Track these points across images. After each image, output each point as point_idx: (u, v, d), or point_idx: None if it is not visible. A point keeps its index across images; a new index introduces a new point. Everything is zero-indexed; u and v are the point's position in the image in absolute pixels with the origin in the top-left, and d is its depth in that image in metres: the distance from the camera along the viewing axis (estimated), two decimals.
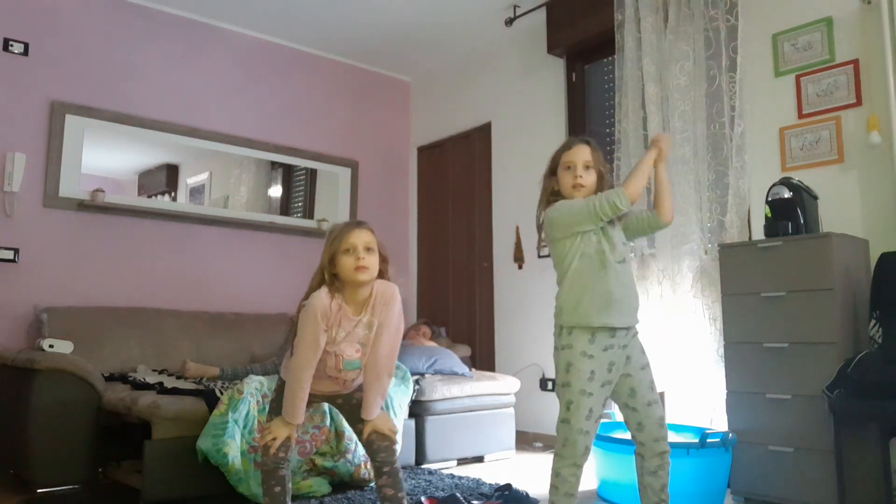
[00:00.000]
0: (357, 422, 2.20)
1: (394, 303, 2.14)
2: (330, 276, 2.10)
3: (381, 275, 2.16)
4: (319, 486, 2.94)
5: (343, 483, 3.04)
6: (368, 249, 2.08)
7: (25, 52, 3.86)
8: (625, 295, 2.07)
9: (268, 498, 2.10)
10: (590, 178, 2.12)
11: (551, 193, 2.18)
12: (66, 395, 2.96)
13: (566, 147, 2.17)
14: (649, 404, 2.08)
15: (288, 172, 4.86)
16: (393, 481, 2.09)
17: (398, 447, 3.20)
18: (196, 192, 4.45)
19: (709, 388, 3.25)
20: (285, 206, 4.82)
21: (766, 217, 2.93)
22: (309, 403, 2.15)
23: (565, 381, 2.06)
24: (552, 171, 2.18)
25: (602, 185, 2.15)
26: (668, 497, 2.08)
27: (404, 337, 4.45)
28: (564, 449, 2.05)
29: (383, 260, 2.16)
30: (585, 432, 2.03)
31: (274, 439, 2.07)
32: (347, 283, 2.10)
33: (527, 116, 4.62)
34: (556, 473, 2.07)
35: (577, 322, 2.05)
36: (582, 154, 2.12)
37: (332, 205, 4.97)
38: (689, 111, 3.42)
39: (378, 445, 2.09)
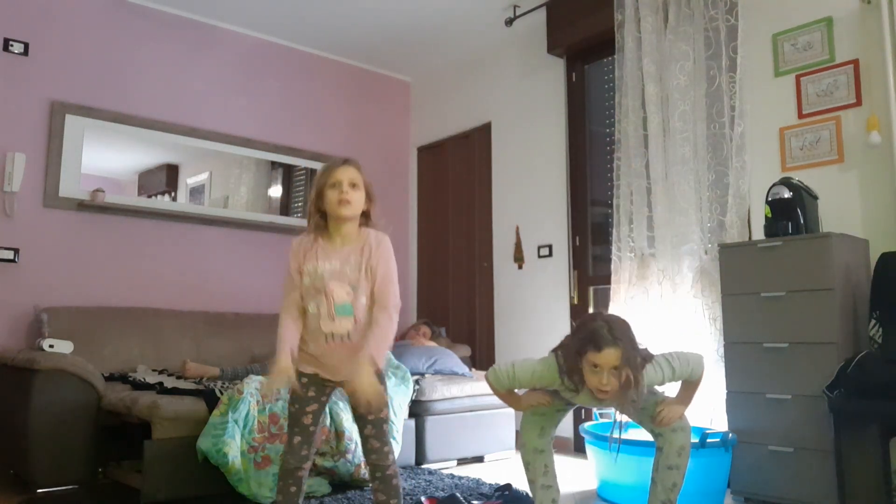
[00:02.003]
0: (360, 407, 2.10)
1: (385, 247, 2.11)
2: (317, 210, 2.10)
3: (368, 214, 2.15)
4: (319, 486, 2.94)
5: (343, 483, 3.05)
6: (353, 185, 2.08)
7: (25, 52, 3.86)
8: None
9: (281, 496, 2.07)
10: (615, 382, 1.96)
11: (571, 369, 2.03)
12: (66, 395, 2.97)
13: (595, 346, 1.96)
14: (657, 403, 2.13)
15: (288, 172, 4.86)
16: (385, 487, 2.05)
17: (396, 450, 3.22)
18: (196, 192, 4.45)
19: (709, 388, 3.25)
20: (285, 206, 4.82)
21: (766, 217, 2.93)
22: (323, 386, 2.08)
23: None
24: (578, 353, 2.01)
25: (629, 383, 1.97)
26: (676, 499, 2.09)
27: (404, 337, 4.50)
28: (522, 434, 2.16)
29: (370, 200, 2.15)
30: (541, 414, 2.14)
31: (274, 391, 2.03)
32: (331, 219, 2.09)
33: (527, 116, 4.62)
34: (525, 466, 2.14)
35: None
36: (610, 359, 1.95)
37: None
38: (689, 111, 3.42)
39: (371, 445, 2.06)
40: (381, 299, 2.04)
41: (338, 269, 2.05)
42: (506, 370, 2.12)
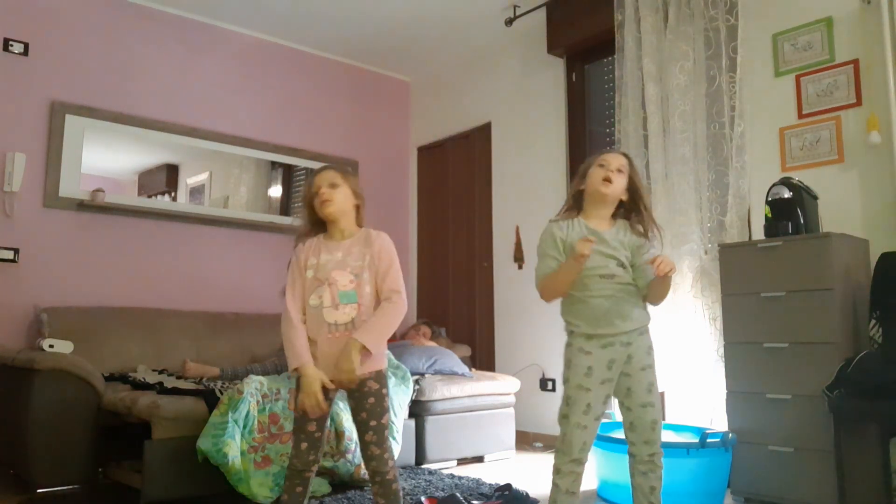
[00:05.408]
0: (361, 410, 2.09)
1: (385, 241, 2.15)
2: (313, 218, 2.18)
3: (358, 211, 2.19)
4: (319, 486, 2.94)
5: (343, 483, 3.05)
6: (332, 185, 2.13)
7: (25, 52, 3.86)
8: (613, 307, 2.07)
9: (286, 496, 2.07)
10: (620, 181, 2.10)
11: (574, 195, 2.18)
12: (66, 395, 2.96)
13: (603, 153, 2.17)
14: (643, 406, 2.07)
15: (288, 172, 4.86)
16: (385, 491, 2.05)
17: (396, 450, 3.22)
18: (196, 192, 4.45)
19: (709, 388, 3.25)
20: (285, 206, 4.82)
21: (766, 217, 2.93)
22: (325, 391, 2.05)
23: (565, 376, 2.12)
24: (582, 175, 2.16)
25: (633, 194, 2.12)
26: (660, 502, 2.08)
27: (404, 337, 4.50)
28: (563, 444, 2.08)
29: (358, 197, 2.18)
30: (583, 427, 2.05)
31: (305, 403, 1.99)
32: (328, 222, 2.16)
33: (527, 116, 4.62)
34: (556, 470, 2.08)
35: (572, 329, 2.14)
36: (617, 159, 2.13)
37: None
38: (689, 111, 3.42)
39: (371, 452, 2.06)
40: (384, 289, 2.08)
41: (340, 259, 2.10)
42: (536, 273, 2.14)
